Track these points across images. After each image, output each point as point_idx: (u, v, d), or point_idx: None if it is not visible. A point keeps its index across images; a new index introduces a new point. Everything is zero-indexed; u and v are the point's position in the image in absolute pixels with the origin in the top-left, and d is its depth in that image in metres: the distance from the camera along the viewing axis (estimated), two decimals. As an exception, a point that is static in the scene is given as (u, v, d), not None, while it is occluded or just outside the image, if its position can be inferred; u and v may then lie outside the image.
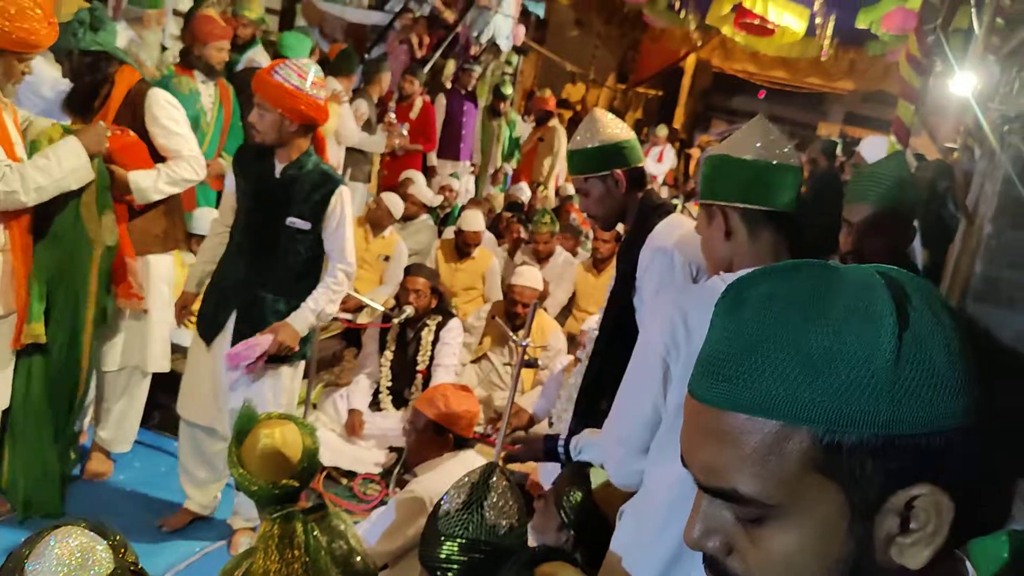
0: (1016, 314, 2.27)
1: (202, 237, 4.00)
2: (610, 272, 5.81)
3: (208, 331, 3.30)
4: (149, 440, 4.14)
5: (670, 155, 11.96)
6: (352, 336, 5.30)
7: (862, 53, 13.12)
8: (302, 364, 3.44)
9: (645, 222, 2.47)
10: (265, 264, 3.19)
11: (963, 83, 3.34)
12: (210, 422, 3.38)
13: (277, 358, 3.20)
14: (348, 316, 5.12)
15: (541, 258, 6.05)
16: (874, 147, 3.23)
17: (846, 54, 13.41)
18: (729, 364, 0.70)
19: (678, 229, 2.44)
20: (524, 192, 8.01)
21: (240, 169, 3.27)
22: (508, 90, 8.43)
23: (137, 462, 4.00)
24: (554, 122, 9.62)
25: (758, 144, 1.76)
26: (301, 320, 3.16)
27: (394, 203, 5.81)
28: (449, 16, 9.34)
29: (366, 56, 9.05)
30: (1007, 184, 2.22)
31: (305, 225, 3.12)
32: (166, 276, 3.72)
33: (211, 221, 3.67)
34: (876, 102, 17.02)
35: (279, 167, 3.12)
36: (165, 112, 3.46)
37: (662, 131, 12.00)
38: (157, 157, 3.49)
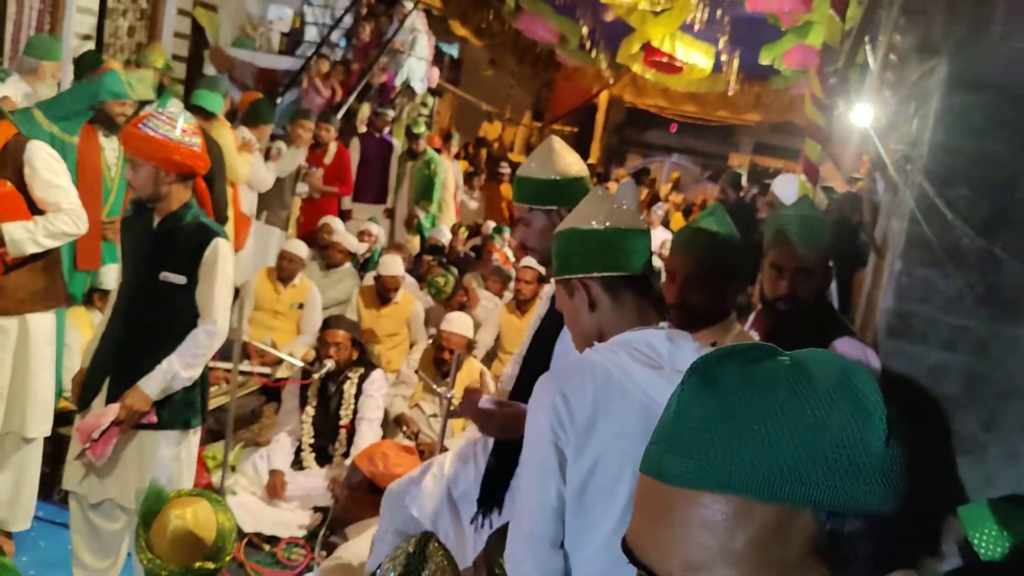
0: (930, 349, 2.31)
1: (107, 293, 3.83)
2: (536, 313, 5.83)
3: (83, 397, 3.07)
4: (53, 516, 3.86)
5: None
6: (272, 391, 5.12)
7: (767, 87, 13.60)
8: (193, 434, 3.17)
9: None
10: (141, 324, 2.99)
11: (862, 116, 3.45)
12: (99, 496, 3.14)
13: (151, 425, 2.97)
14: (265, 371, 4.94)
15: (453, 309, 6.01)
16: (787, 185, 3.31)
17: (752, 88, 13.88)
18: (715, 443, 0.65)
19: None
20: (444, 235, 7.95)
21: (125, 228, 3.12)
22: (420, 129, 8.35)
23: (42, 541, 3.73)
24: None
25: (602, 214, 1.76)
26: (152, 383, 2.90)
27: (297, 247, 5.69)
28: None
29: (278, 101, 8.93)
30: (914, 222, 2.27)
31: (180, 280, 2.93)
32: (48, 336, 3.48)
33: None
34: (783, 132, 17.68)
35: (156, 220, 2.98)
36: (44, 164, 3.28)
37: None
38: (37, 212, 3.32)
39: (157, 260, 2.97)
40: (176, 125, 2.87)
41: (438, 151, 9.03)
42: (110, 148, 4.44)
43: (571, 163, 2.38)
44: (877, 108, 6.09)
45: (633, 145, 20.06)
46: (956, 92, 2.23)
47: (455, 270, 6.26)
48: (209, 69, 9.76)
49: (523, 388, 2.43)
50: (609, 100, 17.69)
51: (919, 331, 2.30)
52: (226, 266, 2.97)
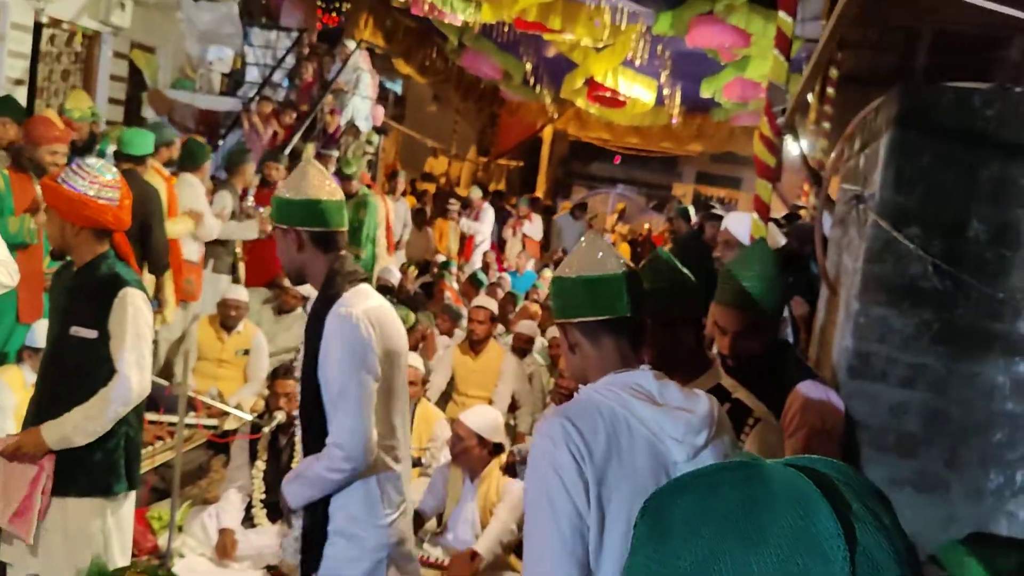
0: (890, 387, 2.31)
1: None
2: (490, 354, 5.77)
3: None
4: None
5: (538, 223, 12.13)
6: (220, 445, 4.94)
7: (708, 119, 13.88)
8: (124, 499, 2.95)
9: (331, 287, 2.44)
10: (57, 381, 2.83)
11: (805, 150, 3.50)
12: (24, 570, 2.87)
13: (69, 491, 2.78)
14: (212, 424, 4.77)
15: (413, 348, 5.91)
16: (739, 223, 3.32)
17: (694, 120, 14.15)
18: None
19: (367, 299, 2.46)
20: (393, 275, 7.86)
21: (53, 282, 2.99)
22: (351, 170, 8.07)
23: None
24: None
25: (576, 262, 1.84)
26: (51, 429, 2.73)
27: (239, 293, 5.56)
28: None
29: (220, 143, 8.78)
30: (869, 261, 2.28)
31: (90, 334, 2.77)
32: None
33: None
34: (724, 162, 18.06)
35: (73, 272, 2.86)
36: None
37: (524, 203, 12.20)
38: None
39: (69, 313, 2.82)
40: (91, 178, 2.73)
41: (369, 187, 8.87)
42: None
43: (316, 190, 2.46)
44: (819, 141, 6.22)
45: (578, 177, 20.25)
46: (905, 130, 2.25)
47: (406, 310, 6.15)
48: (148, 112, 9.57)
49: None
50: (554, 134, 17.86)
51: (879, 370, 2.30)
52: (138, 317, 2.79)
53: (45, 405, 2.82)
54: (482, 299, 5.85)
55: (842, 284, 2.70)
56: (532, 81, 12.34)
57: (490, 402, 5.54)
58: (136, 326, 2.77)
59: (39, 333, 4.06)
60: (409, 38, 11.67)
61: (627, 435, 1.68)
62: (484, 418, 3.96)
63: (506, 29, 9.91)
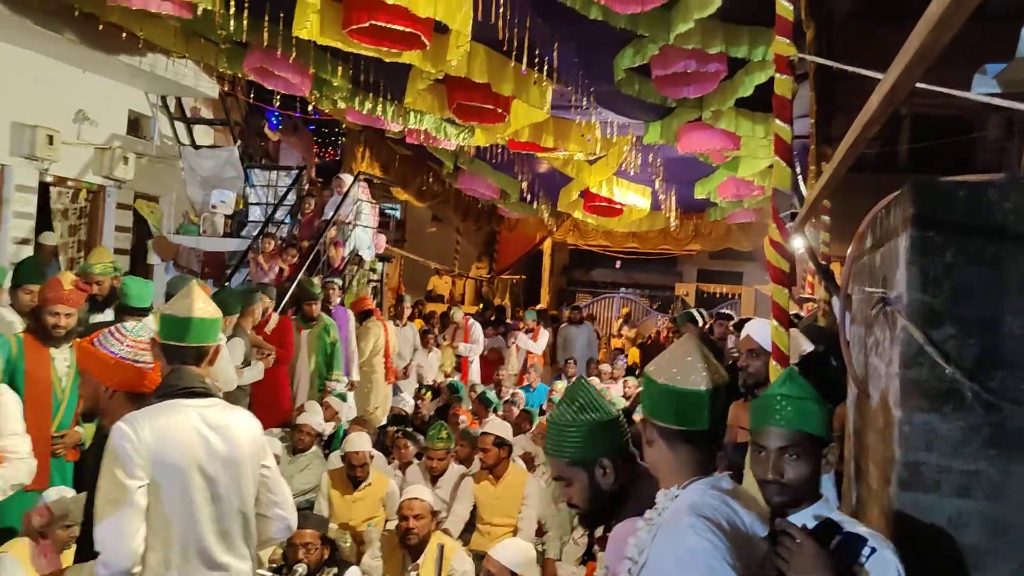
0: (943, 498, 2.18)
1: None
2: (510, 478, 5.57)
3: None
4: None
5: (544, 335, 11.97)
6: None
7: (704, 218, 14.04)
8: None
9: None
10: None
11: (811, 242, 3.46)
12: None
13: None
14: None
15: (435, 475, 5.70)
16: (760, 330, 3.26)
17: (690, 220, 14.32)
18: None
19: (168, 413, 2.60)
20: (407, 403, 7.72)
21: (86, 452, 2.96)
22: (316, 291, 7.74)
23: None
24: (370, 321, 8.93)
25: (674, 369, 1.92)
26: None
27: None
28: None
29: (226, 284, 8.83)
30: (906, 367, 2.19)
31: None
32: None
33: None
34: (724, 258, 18.18)
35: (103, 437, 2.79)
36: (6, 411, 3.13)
37: (531, 317, 11.98)
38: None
39: (95, 477, 2.71)
40: (128, 341, 2.75)
41: (370, 312, 8.70)
42: (61, 359, 4.24)
43: (196, 307, 2.70)
44: (821, 234, 6.22)
45: (581, 285, 20.34)
46: (923, 229, 2.20)
47: (449, 431, 5.90)
48: (153, 258, 9.69)
49: None
50: (553, 245, 18.06)
51: (930, 480, 2.17)
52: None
53: (81, 551, 2.78)
54: (492, 424, 5.70)
55: (873, 386, 2.61)
56: (528, 197, 12.55)
57: (515, 530, 5.33)
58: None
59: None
60: (405, 166, 11.95)
61: (741, 534, 1.80)
62: (515, 552, 3.77)
63: (500, 150, 10.14)
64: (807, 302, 8.19)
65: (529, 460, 6.43)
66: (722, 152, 8.72)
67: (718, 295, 19.14)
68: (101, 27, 6.86)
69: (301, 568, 3.88)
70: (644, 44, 6.34)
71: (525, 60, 6.23)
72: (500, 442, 5.47)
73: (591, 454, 2.15)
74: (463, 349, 10.69)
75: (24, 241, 8.00)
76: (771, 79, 3.27)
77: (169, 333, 2.69)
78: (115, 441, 2.49)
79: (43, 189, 8.36)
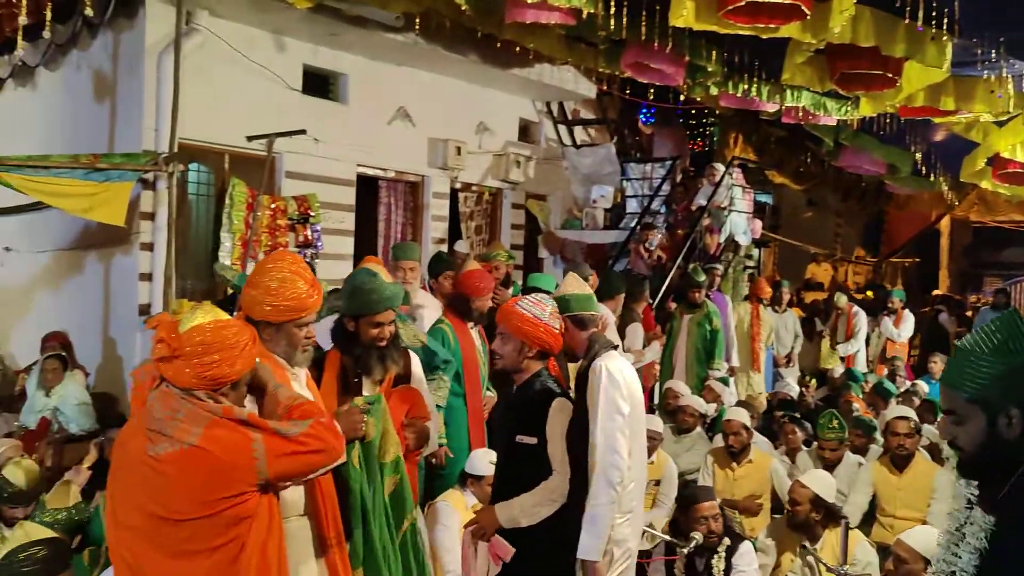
0: None
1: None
2: (917, 469, 5.15)
3: None
4: None
5: (908, 320, 10.45)
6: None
7: None
8: None
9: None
10: (509, 480, 3.32)
11: None
12: None
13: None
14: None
15: (828, 465, 5.46)
16: None
17: None
18: None
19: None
20: (791, 388, 7.48)
21: (496, 405, 3.44)
22: (700, 277, 7.69)
23: None
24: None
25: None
26: (503, 511, 3.23)
27: (656, 424, 5.61)
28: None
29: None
30: None
31: (531, 440, 3.23)
32: None
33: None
34: None
35: (514, 390, 3.36)
36: None
37: (897, 296, 10.63)
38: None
39: (512, 424, 3.30)
40: (546, 308, 3.22)
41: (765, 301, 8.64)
42: (475, 335, 4.87)
43: (571, 288, 3.46)
44: None
45: (988, 267, 17.89)
46: None
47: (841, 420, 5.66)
48: (542, 252, 10.56)
49: None
50: (952, 223, 16.15)
51: None
52: (565, 423, 3.24)
53: (499, 499, 3.31)
54: (899, 409, 5.29)
55: None
56: (923, 170, 11.38)
57: (923, 524, 4.90)
58: (564, 431, 3.21)
59: (477, 461, 4.50)
60: (780, 148, 11.56)
61: None
62: (930, 539, 3.48)
63: (888, 120, 9.35)
64: None
65: (935, 452, 5.88)
66: None
67: None
68: (499, 45, 7.66)
69: (698, 536, 3.97)
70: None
71: (921, 15, 5.69)
72: (918, 429, 5.11)
73: (998, 398, 1.84)
74: (843, 349, 9.91)
75: (440, 241, 9.21)
76: None
77: (579, 306, 3.36)
78: (607, 374, 3.16)
79: (452, 195, 9.54)
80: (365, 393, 3.19)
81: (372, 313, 3.19)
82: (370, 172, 8.56)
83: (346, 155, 8.10)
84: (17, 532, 3.60)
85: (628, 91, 10.33)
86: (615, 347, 3.39)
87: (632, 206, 10.70)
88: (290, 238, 7.41)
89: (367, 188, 8.64)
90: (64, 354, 6.08)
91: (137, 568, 2.18)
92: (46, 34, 6.38)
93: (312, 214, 7.55)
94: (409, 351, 3.64)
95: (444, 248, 8.94)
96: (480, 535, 3.23)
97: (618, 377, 3.21)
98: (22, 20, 5.97)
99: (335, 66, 8.11)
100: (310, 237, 7.55)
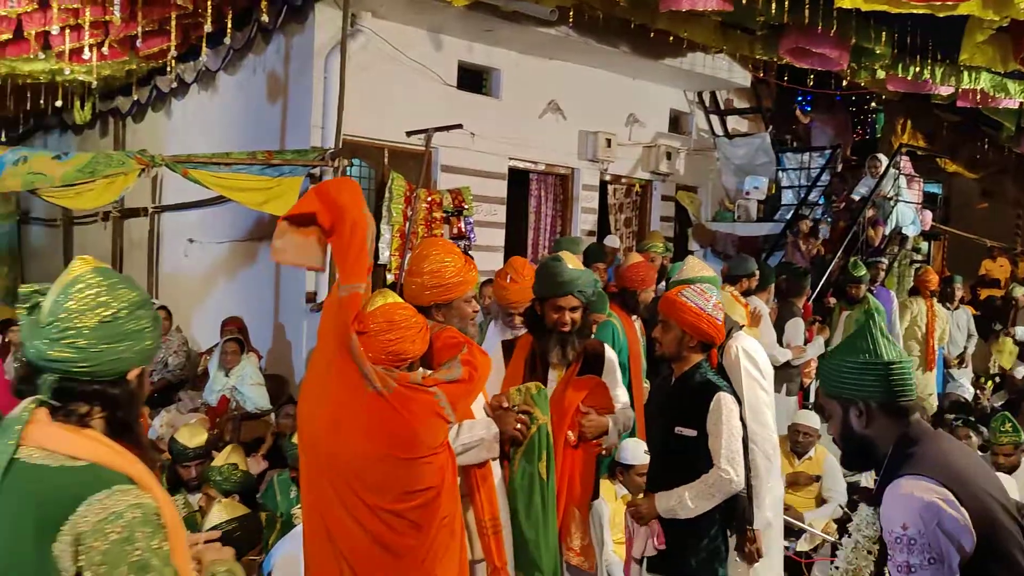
0: None
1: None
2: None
3: None
4: None
5: None
6: (796, 563, 4.81)
7: None
8: None
9: None
10: (666, 472, 3.27)
11: None
12: None
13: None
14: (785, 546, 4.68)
15: (1004, 471, 5.07)
16: None
17: None
18: None
19: None
20: (965, 389, 7.00)
21: (653, 391, 3.51)
22: (861, 271, 7.27)
23: None
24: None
25: None
26: (662, 500, 3.18)
27: (810, 419, 5.39)
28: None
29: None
30: None
31: (691, 432, 3.17)
32: None
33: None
34: None
35: (673, 380, 3.30)
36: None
37: None
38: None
39: (671, 415, 3.24)
40: (710, 299, 3.16)
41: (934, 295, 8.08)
42: (637, 327, 4.87)
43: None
44: None
45: None
46: None
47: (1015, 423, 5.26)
48: (692, 245, 10.37)
49: None
50: None
51: None
52: (731, 418, 3.14)
53: (655, 488, 3.28)
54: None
55: None
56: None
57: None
58: (729, 424, 3.12)
59: (628, 451, 4.50)
60: (953, 134, 10.82)
61: None
62: None
63: (1081, 100, 8.55)
64: None
65: None
66: None
67: None
68: (652, 35, 7.57)
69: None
70: None
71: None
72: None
73: (847, 392, 2.05)
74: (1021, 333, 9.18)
75: (590, 233, 9.22)
76: None
77: None
78: (743, 353, 3.45)
79: (602, 187, 9.53)
80: (550, 379, 3.25)
81: (552, 296, 3.23)
82: (521, 165, 8.69)
83: (498, 149, 8.26)
84: (213, 511, 3.84)
85: (786, 78, 9.95)
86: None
87: (788, 197, 10.31)
88: (444, 230, 7.63)
89: (518, 181, 8.77)
90: (241, 338, 6.54)
91: (336, 520, 2.41)
92: (227, 40, 6.90)
93: (466, 207, 7.74)
94: (604, 344, 3.55)
95: (594, 240, 8.96)
96: (639, 519, 3.23)
97: (753, 355, 3.50)
98: (207, 28, 6.47)
99: (488, 61, 8.28)
100: (464, 229, 7.75)
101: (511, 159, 8.49)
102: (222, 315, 7.22)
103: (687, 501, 3.13)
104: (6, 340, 8.38)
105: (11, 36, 6.97)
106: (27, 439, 1.54)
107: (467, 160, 8.00)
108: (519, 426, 2.89)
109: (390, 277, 7.08)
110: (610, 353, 3.43)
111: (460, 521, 2.61)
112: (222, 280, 8.10)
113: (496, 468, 2.96)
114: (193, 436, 4.54)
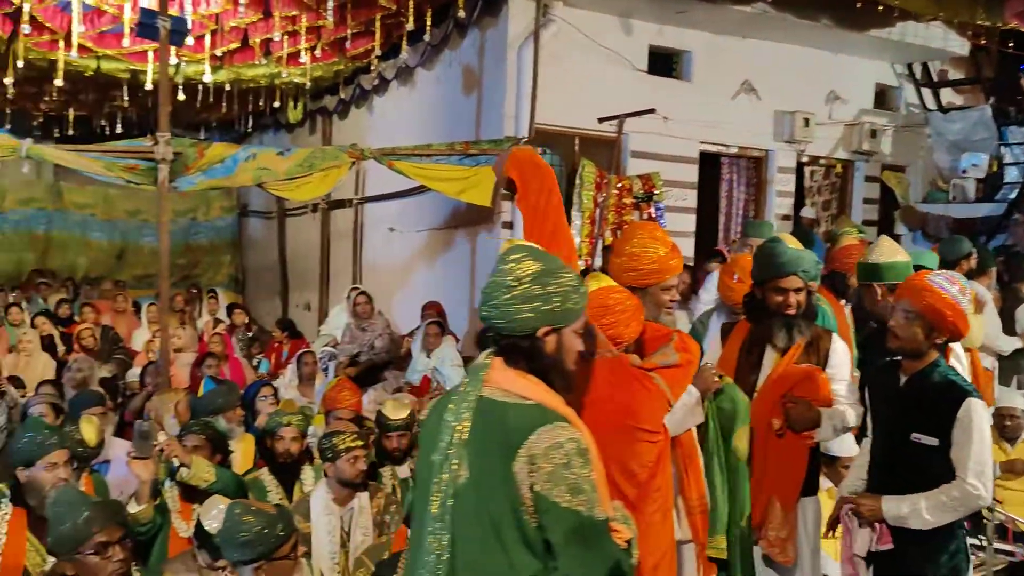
0: None
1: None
2: None
3: None
4: None
5: None
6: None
7: None
8: None
9: None
10: (892, 473, 2.97)
11: None
12: None
13: None
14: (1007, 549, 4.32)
15: None
16: None
17: None
18: None
19: None
20: None
21: (873, 385, 3.13)
22: None
23: None
24: None
25: None
26: (891, 505, 2.87)
27: (1013, 400, 4.96)
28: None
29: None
30: None
31: (931, 441, 2.83)
32: None
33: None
34: None
35: (903, 378, 2.94)
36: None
37: None
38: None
39: (905, 419, 2.91)
40: (963, 289, 2.83)
41: None
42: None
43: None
44: None
45: None
46: None
47: None
48: (900, 228, 9.70)
49: None
50: None
51: None
52: (982, 426, 2.80)
53: (881, 490, 2.98)
54: None
55: None
56: None
57: None
58: (981, 435, 2.79)
59: (835, 442, 4.29)
60: None
61: None
62: None
63: None
64: None
65: None
66: None
67: None
68: (858, 5, 7.13)
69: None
70: None
71: None
72: None
73: None
74: None
75: (785, 217, 8.85)
76: None
77: (896, 275, 3.43)
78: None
79: (798, 169, 9.10)
80: (765, 364, 3.15)
81: (774, 277, 3.14)
82: (712, 149, 8.47)
83: (689, 132, 8.09)
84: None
85: (1011, 44, 9.05)
86: None
87: (1012, 175, 9.38)
88: (635, 216, 7.60)
89: (709, 165, 8.56)
90: (441, 321, 6.83)
91: None
92: (425, 37, 7.22)
93: (656, 192, 7.67)
94: (833, 335, 3.35)
95: (789, 225, 8.59)
96: (859, 517, 2.98)
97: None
98: (408, 27, 6.79)
99: (679, 44, 8.12)
100: (654, 215, 7.68)
101: (702, 143, 8.29)
102: (421, 300, 7.58)
103: (923, 513, 2.83)
104: (232, 321, 9.28)
105: (239, 45, 7.67)
106: (489, 381, 1.96)
107: (657, 145, 7.90)
108: (716, 378, 2.89)
109: (581, 263, 7.14)
110: (839, 344, 3.20)
111: (671, 502, 2.62)
112: (421, 266, 8.50)
113: (699, 449, 2.93)
114: (397, 410, 4.81)
